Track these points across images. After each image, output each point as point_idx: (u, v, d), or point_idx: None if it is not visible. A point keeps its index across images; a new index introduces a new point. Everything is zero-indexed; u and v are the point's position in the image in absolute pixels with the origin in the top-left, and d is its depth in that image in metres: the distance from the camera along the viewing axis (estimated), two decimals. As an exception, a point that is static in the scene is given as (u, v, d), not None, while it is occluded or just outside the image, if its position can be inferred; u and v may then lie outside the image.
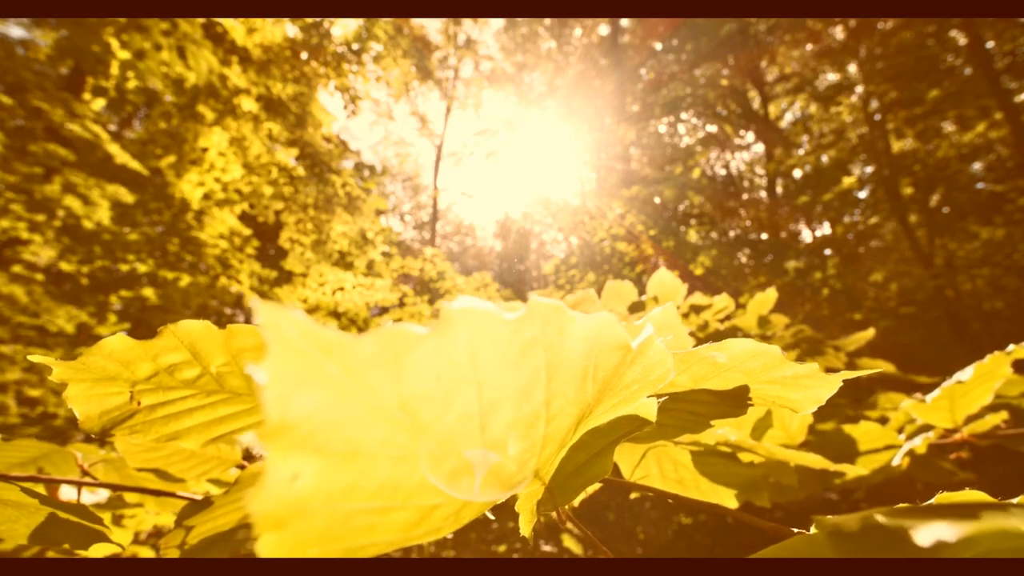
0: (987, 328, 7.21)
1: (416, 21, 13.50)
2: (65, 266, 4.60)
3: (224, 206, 5.79)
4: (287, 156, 6.47)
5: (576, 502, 0.55)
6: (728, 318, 1.80)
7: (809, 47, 10.43)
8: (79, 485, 0.68)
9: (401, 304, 6.99)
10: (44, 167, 4.05)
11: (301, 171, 6.65)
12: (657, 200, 10.21)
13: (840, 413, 1.36)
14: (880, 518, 0.19)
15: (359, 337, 0.18)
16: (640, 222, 8.97)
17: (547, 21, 16.49)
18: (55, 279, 4.81)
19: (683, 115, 13.30)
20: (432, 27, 15.29)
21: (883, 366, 1.62)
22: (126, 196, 4.58)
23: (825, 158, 9.43)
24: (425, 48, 14.41)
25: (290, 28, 6.40)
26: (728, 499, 0.66)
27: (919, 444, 0.86)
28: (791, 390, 0.43)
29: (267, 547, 0.17)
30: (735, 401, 0.45)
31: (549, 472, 0.33)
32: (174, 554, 0.50)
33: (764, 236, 10.23)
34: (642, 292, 2.15)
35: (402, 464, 0.21)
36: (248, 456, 0.73)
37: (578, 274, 8.69)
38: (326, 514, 0.18)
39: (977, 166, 7.95)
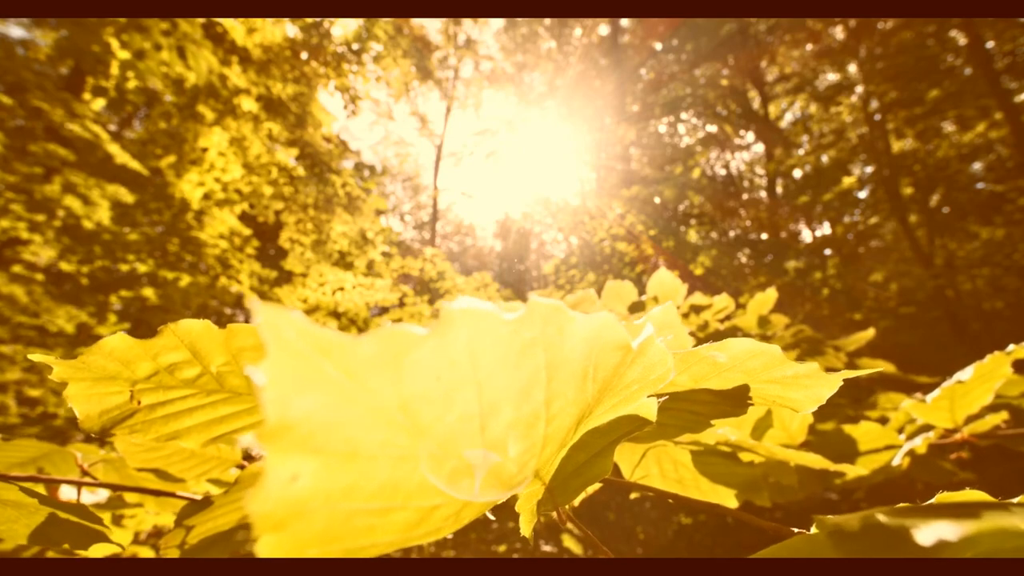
0: (987, 328, 7.21)
1: (416, 21, 13.51)
2: (65, 266, 4.60)
3: (224, 206, 5.79)
4: (287, 156, 6.47)
5: (576, 502, 0.55)
6: (728, 318, 1.80)
7: (809, 47, 10.43)
8: (79, 485, 0.68)
9: (401, 304, 6.99)
10: (44, 167, 4.05)
11: (301, 171, 6.66)
12: (657, 200, 10.21)
13: (840, 413, 1.36)
14: (881, 517, 0.19)
15: (358, 338, 0.17)
16: (640, 222, 8.97)
17: (547, 21, 16.49)
18: (55, 279, 4.81)
19: (683, 115, 13.30)
20: (432, 27, 15.30)
21: (883, 366, 1.62)
22: (126, 196, 4.58)
23: (825, 158, 9.43)
24: (425, 48, 14.41)
25: (290, 28, 6.40)
26: (728, 499, 0.66)
27: (919, 444, 0.86)
28: (791, 389, 0.43)
29: (266, 548, 0.17)
30: (735, 401, 0.45)
31: (549, 472, 0.33)
32: (174, 554, 0.50)
33: (764, 236, 10.23)
34: (642, 292, 2.15)
35: (402, 464, 0.21)
36: (248, 456, 0.73)
37: (578, 274, 8.69)
38: (326, 515, 0.18)
39: (977, 166, 7.96)
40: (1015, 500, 0.33)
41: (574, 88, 15.27)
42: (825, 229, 10.31)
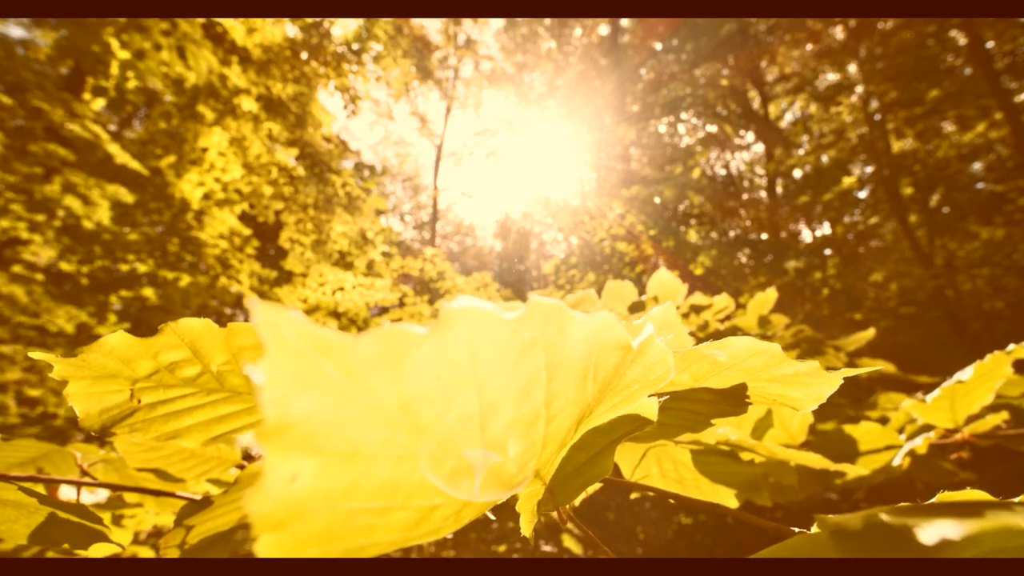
0: (987, 328, 7.21)
1: (416, 21, 13.51)
2: (65, 266, 4.60)
3: (224, 206, 5.79)
4: (287, 156, 6.47)
5: (577, 502, 0.55)
6: (728, 318, 1.80)
7: (809, 47, 10.43)
8: (79, 485, 0.68)
9: (401, 304, 6.99)
10: (44, 167, 4.05)
11: (301, 171, 6.66)
12: (657, 200, 10.21)
13: (841, 413, 1.36)
14: (884, 516, 0.19)
15: (358, 337, 0.17)
16: (640, 222, 8.97)
17: (547, 21, 16.49)
18: (55, 279, 4.81)
19: (683, 115, 13.30)
20: (432, 27, 15.30)
21: (883, 366, 1.62)
22: (126, 196, 4.58)
23: (825, 158, 9.43)
24: (425, 48, 14.41)
25: (290, 28, 6.40)
26: (728, 498, 0.66)
27: (920, 444, 0.85)
28: (792, 388, 0.43)
29: (266, 547, 0.17)
30: (736, 399, 0.45)
31: (550, 472, 0.33)
32: (174, 554, 0.50)
33: (764, 236, 10.23)
34: (642, 292, 2.15)
35: (402, 464, 0.20)
36: (248, 456, 0.73)
37: (578, 274, 8.69)
38: (325, 514, 0.18)
39: (977, 166, 7.95)
40: (1016, 500, 0.33)
41: (574, 88, 15.27)
42: (825, 229, 10.32)
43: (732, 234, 10.66)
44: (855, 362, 1.75)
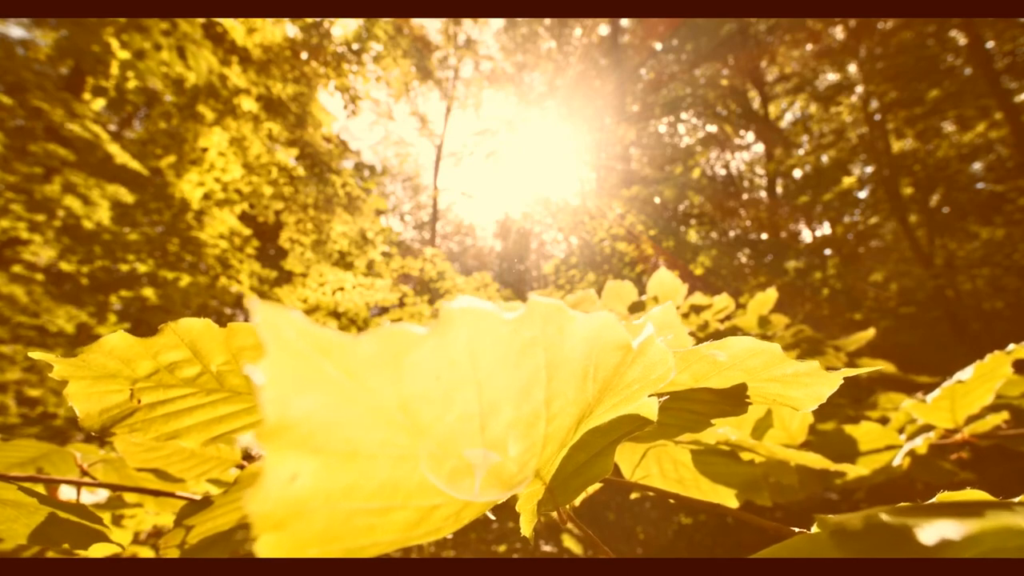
0: (987, 328, 7.21)
1: (416, 21, 13.51)
2: (65, 266, 4.60)
3: (224, 206, 5.79)
4: (287, 156, 6.47)
5: (577, 502, 0.55)
6: (728, 318, 1.80)
7: (809, 47, 10.43)
8: (78, 485, 0.68)
9: (401, 304, 6.99)
10: (44, 167, 4.05)
11: (301, 171, 6.66)
12: (657, 200, 10.20)
13: (841, 413, 1.36)
14: (884, 516, 0.19)
15: (358, 337, 0.17)
16: (640, 222, 8.97)
17: (547, 21, 16.49)
18: (55, 279, 4.81)
19: (683, 115, 13.30)
20: (432, 27, 15.30)
21: (883, 366, 1.62)
22: (126, 196, 4.58)
23: (825, 158, 9.43)
24: (425, 48, 14.41)
25: (290, 28, 6.40)
26: (728, 498, 0.66)
27: (920, 444, 0.85)
28: (792, 388, 0.43)
29: (266, 547, 0.17)
30: (736, 399, 0.45)
31: (550, 472, 0.33)
32: (174, 554, 0.50)
33: (764, 236, 10.23)
34: (642, 292, 2.15)
35: (402, 464, 0.20)
36: (248, 456, 0.73)
37: (578, 274, 8.69)
38: (325, 514, 0.18)
39: (977, 166, 7.95)
40: (1016, 499, 0.33)
41: (574, 88, 15.27)
42: (825, 229, 10.32)
43: (732, 234, 10.66)
44: (855, 362, 1.75)
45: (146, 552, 1.20)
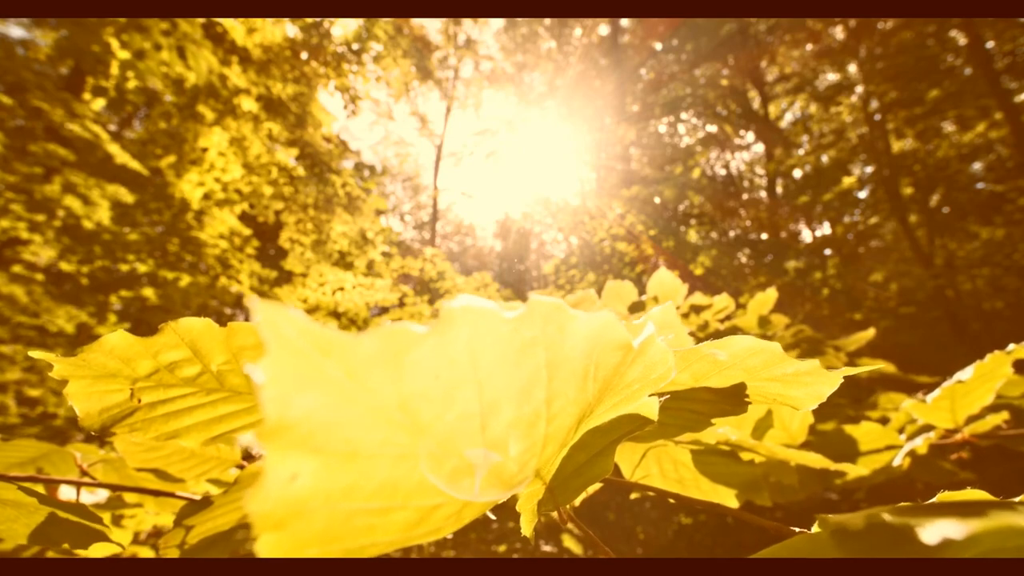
0: (987, 328, 7.21)
1: (416, 21, 13.51)
2: (65, 266, 4.60)
3: (224, 206, 5.79)
4: (287, 156, 6.47)
5: (577, 502, 0.55)
6: (728, 318, 1.80)
7: (809, 47, 10.43)
8: (78, 485, 0.68)
9: (401, 304, 6.99)
10: (44, 167, 4.05)
11: (301, 171, 6.66)
12: (657, 200, 10.20)
13: (841, 413, 1.36)
14: (886, 516, 0.19)
15: (358, 336, 0.17)
16: (640, 222, 8.97)
17: (547, 21, 16.49)
18: (55, 279, 4.81)
19: (683, 115, 13.30)
20: (432, 27, 15.30)
21: (883, 366, 1.61)
22: (126, 196, 4.58)
23: (825, 158, 9.43)
24: (425, 48, 14.41)
25: (290, 28, 6.40)
26: (729, 498, 0.66)
27: (920, 444, 0.85)
28: (792, 387, 0.43)
29: (266, 547, 0.17)
30: (736, 399, 0.45)
31: (550, 472, 0.33)
32: (174, 554, 0.50)
33: (764, 236, 10.23)
34: (642, 292, 2.15)
35: (402, 464, 0.20)
36: (248, 456, 0.73)
37: (578, 274, 8.69)
38: (325, 514, 0.18)
39: (977, 166, 7.95)
40: (1017, 499, 0.33)
41: (574, 88, 15.27)
42: (825, 229, 10.31)
43: (732, 234, 10.66)
44: (855, 362, 1.75)
45: (146, 552, 1.20)
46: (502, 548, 3.38)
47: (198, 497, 0.64)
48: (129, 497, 0.83)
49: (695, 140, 13.44)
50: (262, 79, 5.76)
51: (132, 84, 4.31)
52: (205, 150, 5.41)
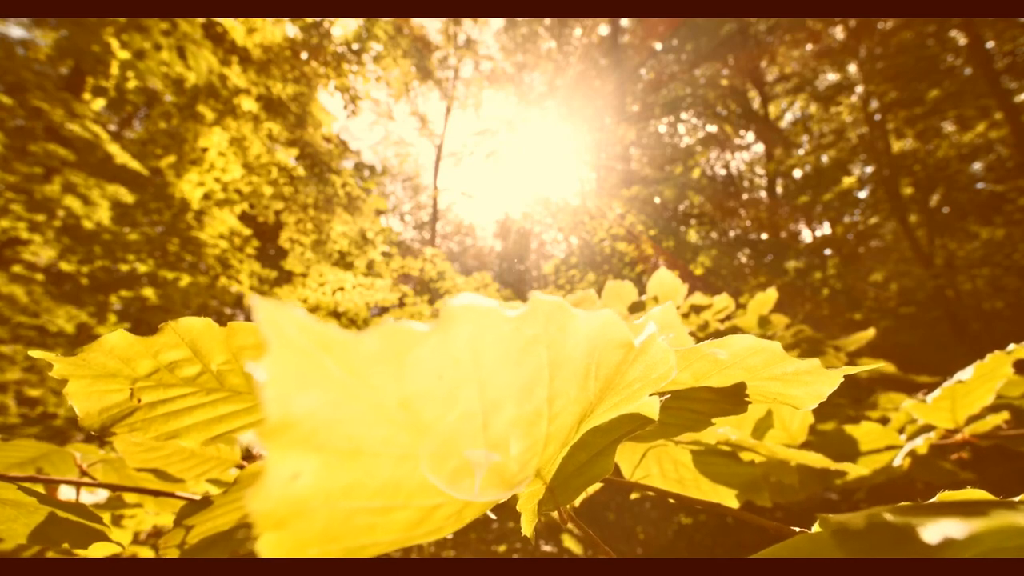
0: (987, 328, 7.21)
1: (416, 21, 13.51)
2: (65, 266, 4.60)
3: (224, 206, 5.79)
4: (287, 156, 6.47)
5: (577, 502, 0.55)
6: (728, 318, 1.80)
7: (809, 47, 10.43)
8: (78, 485, 0.67)
9: (401, 304, 6.99)
10: (44, 167, 4.05)
11: (301, 171, 6.66)
12: (657, 200, 10.20)
13: (841, 413, 1.36)
14: (887, 515, 0.19)
15: (360, 334, 0.17)
16: (640, 222, 8.97)
17: (547, 21, 16.49)
18: (55, 279, 4.81)
19: (683, 115, 13.30)
20: (432, 27, 15.30)
21: (883, 365, 1.61)
22: (126, 196, 4.58)
23: (825, 158, 9.43)
24: (425, 48, 14.41)
25: (290, 28, 6.40)
26: (729, 499, 0.66)
27: (920, 444, 0.85)
28: (792, 386, 0.43)
29: (267, 547, 0.17)
30: (736, 398, 0.45)
31: (551, 471, 0.33)
32: (173, 554, 0.50)
33: (764, 236, 10.23)
34: (642, 292, 2.15)
35: (404, 463, 0.20)
36: (247, 456, 0.73)
37: (578, 274, 8.69)
38: (326, 513, 0.18)
39: (977, 166, 7.95)
40: (1017, 498, 0.33)
41: (574, 88, 15.27)
42: (825, 229, 10.31)
43: (732, 234, 10.66)
44: (855, 362, 1.75)
45: (146, 552, 1.20)
46: (502, 548, 3.38)
47: (198, 497, 0.64)
48: (129, 497, 0.83)
49: (695, 140, 13.44)
50: (262, 79, 5.76)
51: (132, 84, 4.30)
52: (205, 150, 5.41)
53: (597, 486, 0.54)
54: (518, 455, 0.25)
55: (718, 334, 1.70)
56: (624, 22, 14.43)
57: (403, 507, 0.21)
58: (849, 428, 0.97)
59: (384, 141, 20.99)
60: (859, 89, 9.16)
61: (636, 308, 1.51)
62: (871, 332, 1.67)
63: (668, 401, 0.46)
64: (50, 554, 0.94)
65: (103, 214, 4.42)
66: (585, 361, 0.26)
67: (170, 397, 0.50)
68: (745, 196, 12.49)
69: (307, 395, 0.16)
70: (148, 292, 5.17)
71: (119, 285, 5.13)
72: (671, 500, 0.51)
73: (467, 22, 15.64)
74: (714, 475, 0.67)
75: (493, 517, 0.37)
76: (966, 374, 0.82)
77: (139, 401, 0.49)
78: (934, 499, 0.31)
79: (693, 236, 10.28)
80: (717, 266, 8.49)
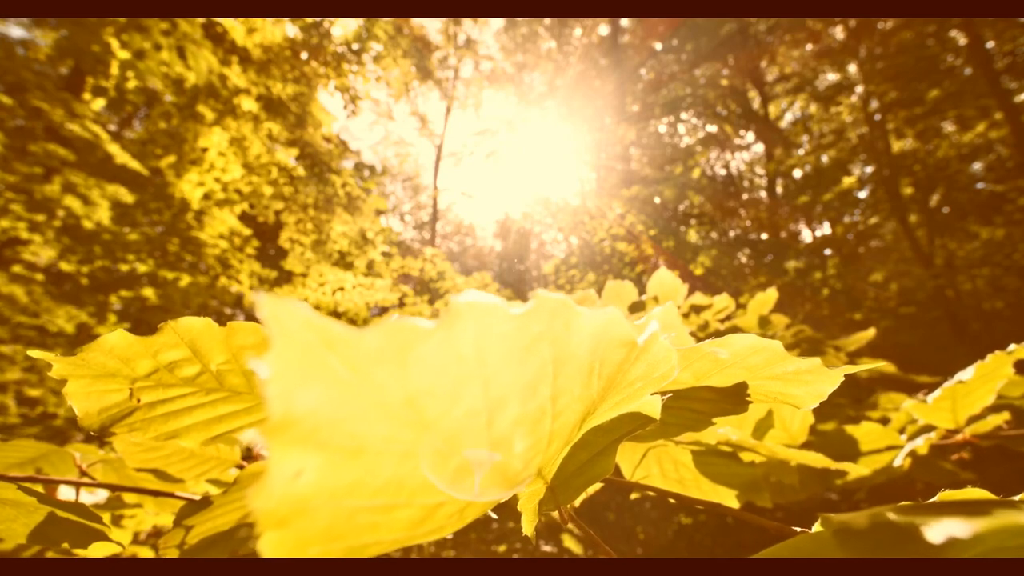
0: (987, 328, 7.21)
1: (416, 21, 13.51)
2: (65, 266, 4.60)
3: (224, 206, 5.79)
4: (287, 156, 6.47)
5: (577, 502, 0.55)
6: (728, 318, 1.80)
7: (809, 47, 10.43)
8: (77, 485, 0.67)
9: (401, 304, 6.99)
10: (44, 167, 4.05)
11: (301, 171, 6.65)
12: (657, 200, 10.21)
13: (841, 413, 1.36)
14: (890, 515, 0.19)
15: (364, 330, 0.17)
16: (640, 222, 8.97)
17: (547, 21, 16.49)
18: (55, 279, 4.81)
19: (683, 115, 13.30)
20: (432, 27, 15.30)
21: (883, 365, 1.61)
22: (126, 196, 4.58)
23: (825, 158, 9.43)
24: (425, 48, 14.41)
25: (290, 28, 6.40)
26: (729, 499, 0.66)
27: (921, 445, 0.85)
28: (793, 386, 0.43)
29: (269, 545, 0.17)
30: (737, 398, 0.45)
31: (552, 470, 0.33)
32: (173, 554, 0.50)
33: (764, 236, 10.23)
34: (642, 292, 2.15)
35: (407, 461, 0.20)
36: (247, 456, 0.73)
37: (578, 274, 8.69)
38: (329, 512, 0.18)
39: (977, 166, 7.96)
40: (1017, 497, 0.33)
41: (574, 88, 15.27)
42: (825, 229, 10.32)
43: (732, 234, 10.66)
44: (855, 362, 1.75)
45: (146, 552, 1.20)
46: (502, 548, 3.38)
47: (198, 497, 0.64)
48: (129, 497, 0.83)
49: (695, 140, 13.45)
50: (262, 79, 5.76)
51: (132, 84, 4.30)
52: (205, 150, 5.41)
53: (597, 486, 0.54)
54: (521, 453, 0.25)
55: (718, 334, 1.70)
56: (624, 22, 14.44)
57: (406, 505, 0.21)
58: (849, 428, 0.97)
59: (384, 141, 20.99)
60: (859, 89, 9.16)
61: (636, 308, 1.51)
62: (871, 332, 1.67)
63: (669, 400, 0.46)
64: (50, 554, 0.94)
65: (103, 214, 4.42)
66: (589, 359, 0.26)
67: (169, 397, 0.50)
68: (745, 196, 12.50)
69: (310, 392, 0.16)
70: (148, 292, 5.16)
71: (119, 285, 5.13)
72: (671, 500, 0.51)
73: (467, 22, 15.64)
74: (714, 475, 0.66)
75: (494, 517, 0.37)
76: (967, 374, 0.82)
77: (138, 401, 0.49)
78: (935, 498, 0.31)
79: (693, 236, 10.28)
80: (717, 266, 8.49)
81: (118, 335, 0.47)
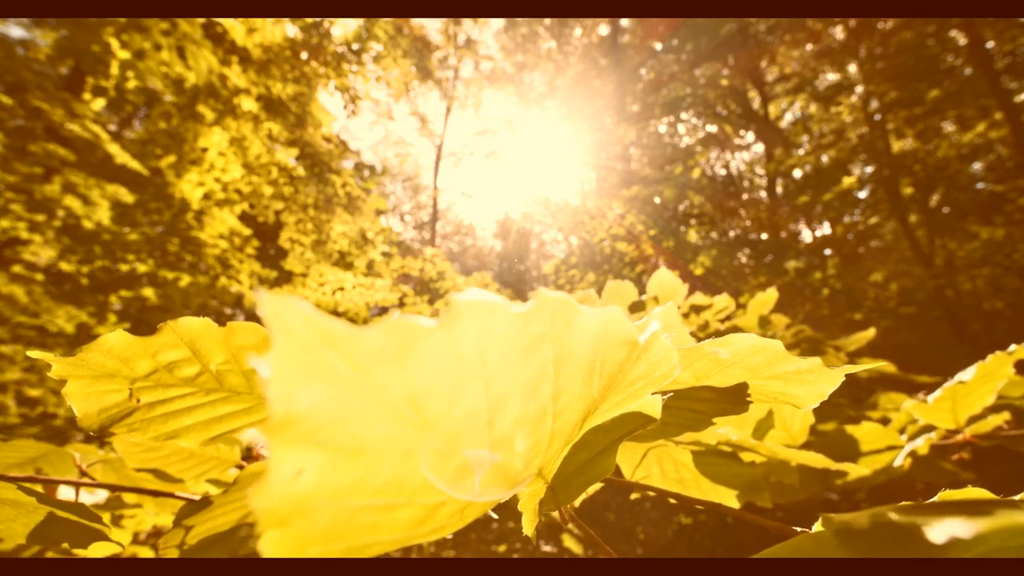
0: (987, 328, 7.21)
1: (416, 21, 13.51)
2: (65, 266, 4.60)
3: (224, 206, 5.79)
4: (287, 156, 6.47)
5: (577, 502, 0.55)
6: (728, 318, 1.80)
7: (809, 47, 10.43)
8: (77, 485, 0.67)
9: (401, 304, 6.99)
10: (44, 167, 4.05)
11: (301, 171, 6.65)
12: (657, 200, 10.20)
13: (841, 413, 1.36)
14: (892, 515, 0.19)
15: (365, 329, 0.17)
16: (640, 222, 8.97)
17: (547, 21, 16.49)
18: (55, 279, 4.81)
19: (683, 115, 13.30)
20: (432, 27, 15.30)
21: (883, 365, 1.61)
22: (126, 196, 4.58)
23: (825, 158, 9.43)
24: (425, 48, 14.40)
25: (290, 28, 6.40)
26: (729, 499, 0.66)
27: (921, 445, 0.85)
28: (793, 385, 0.43)
29: (269, 545, 0.17)
30: (737, 398, 0.44)
31: (552, 470, 0.33)
32: (173, 554, 0.50)
33: (764, 236, 10.23)
34: (642, 292, 2.15)
35: (408, 460, 0.20)
36: (247, 456, 0.73)
37: (578, 274, 8.69)
38: (330, 511, 0.18)
39: (977, 166, 7.96)
40: (1018, 497, 0.33)
41: (574, 88, 15.27)
42: (825, 229, 10.32)
43: (732, 234, 10.66)
44: (855, 362, 1.75)
45: (146, 552, 1.20)
46: (502, 548, 3.38)
47: (197, 497, 0.64)
48: (128, 497, 0.83)
49: (695, 140, 13.45)
50: (262, 79, 5.76)
51: (132, 84, 4.30)
52: (205, 150, 5.41)
53: (598, 486, 0.54)
54: (522, 453, 0.25)
55: (718, 334, 1.70)
56: (624, 22, 14.44)
57: (406, 505, 0.21)
58: (850, 428, 0.97)
59: (384, 141, 20.98)
60: (859, 89, 9.16)
61: (636, 308, 1.51)
62: (871, 332, 1.67)
63: (669, 400, 0.46)
64: (50, 554, 0.94)
65: (103, 214, 4.42)
66: (590, 358, 0.26)
67: (169, 397, 0.50)
68: (745, 196, 12.50)
69: (311, 391, 0.16)
70: (148, 292, 5.16)
71: (119, 285, 5.13)
72: (671, 500, 0.51)
73: (467, 22, 15.64)
74: (715, 475, 0.66)
75: (494, 517, 0.37)
76: (967, 374, 0.82)
77: (138, 401, 0.49)
78: (935, 499, 0.31)
79: (693, 236, 10.28)
80: (717, 266, 8.49)
81: (117, 335, 0.47)
